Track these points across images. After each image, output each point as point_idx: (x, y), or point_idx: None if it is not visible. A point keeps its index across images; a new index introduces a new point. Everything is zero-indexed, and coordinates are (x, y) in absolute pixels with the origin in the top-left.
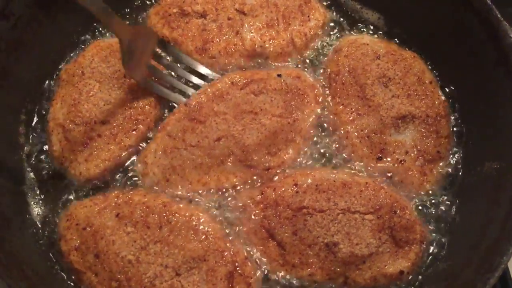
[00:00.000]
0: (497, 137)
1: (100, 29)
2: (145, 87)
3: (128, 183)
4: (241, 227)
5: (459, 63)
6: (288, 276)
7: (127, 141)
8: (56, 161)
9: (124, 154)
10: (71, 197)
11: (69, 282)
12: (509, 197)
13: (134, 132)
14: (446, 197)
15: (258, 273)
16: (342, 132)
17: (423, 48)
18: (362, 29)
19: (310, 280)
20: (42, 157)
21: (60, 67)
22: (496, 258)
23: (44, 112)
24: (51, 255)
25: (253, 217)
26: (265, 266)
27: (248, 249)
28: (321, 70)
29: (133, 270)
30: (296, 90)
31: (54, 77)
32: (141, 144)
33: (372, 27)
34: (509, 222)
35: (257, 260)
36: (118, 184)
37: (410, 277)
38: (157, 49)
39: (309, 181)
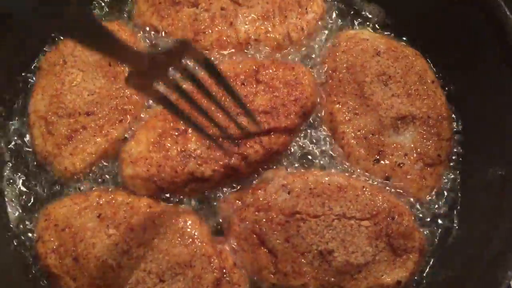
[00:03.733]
0: (502, 141)
1: None
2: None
3: (113, 178)
4: (230, 232)
5: (463, 62)
6: (279, 285)
7: (114, 132)
8: (39, 156)
9: (110, 146)
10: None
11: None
12: None
13: (120, 123)
14: (446, 204)
15: (247, 281)
16: (337, 132)
17: (426, 45)
18: (362, 24)
19: None
20: (23, 152)
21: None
22: (500, 271)
23: (20, 105)
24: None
25: (243, 221)
26: (255, 274)
27: (237, 255)
28: (318, 66)
29: (114, 276)
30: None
31: (32, 67)
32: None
33: (372, 22)
34: None
35: (246, 267)
36: (102, 181)
37: None
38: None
39: (303, 184)
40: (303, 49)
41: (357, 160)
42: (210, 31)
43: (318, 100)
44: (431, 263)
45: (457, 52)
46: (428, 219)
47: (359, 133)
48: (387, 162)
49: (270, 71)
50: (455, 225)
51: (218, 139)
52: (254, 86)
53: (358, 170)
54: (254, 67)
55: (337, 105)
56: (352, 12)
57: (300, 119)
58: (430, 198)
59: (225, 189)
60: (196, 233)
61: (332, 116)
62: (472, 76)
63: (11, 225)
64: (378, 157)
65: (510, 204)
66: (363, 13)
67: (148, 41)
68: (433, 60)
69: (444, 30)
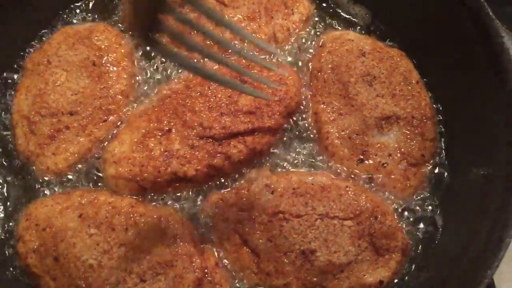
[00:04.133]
0: (485, 141)
1: (67, 17)
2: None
3: (96, 178)
4: (213, 232)
5: (447, 63)
6: (261, 285)
7: (97, 132)
8: (21, 155)
9: (94, 146)
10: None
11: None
12: (496, 207)
13: (104, 123)
14: (429, 204)
15: (229, 281)
16: (322, 132)
17: (411, 46)
18: (348, 25)
19: None
20: (6, 151)
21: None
22: (480, 271)
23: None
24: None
25: (226, 221)
26: (237, 274)
27: (219, 255)
28: (303, 67)
29: (94, 276)
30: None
31: (15, 66)
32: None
33: (358, 24)
34: (494, 233)
35: (228, 267)
36: (84, 181)
37: None
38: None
39: (286, 184)
40: (288, 49)
41: (341, 160)
42: (195, 32)
43: (303, 100)
44: (413, 263)
45: (442, 53)
46: (412, 219)
47: (343, 133)
48: (371, 162)
49: (255, 71)
50: (438, 225)
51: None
52: None
53: (342, 170)
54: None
55: (322, 105)
56: (338, 13)
57: (284, 119)
58: (413, 198)
59: (209, 189)
60: (178, 233)
61: (317, 116)
62: (457, 77)
63: None
64: (362, 157)
65: (493, 204)
66: (350, 14)
67: (134, 41)
68: (418, 61)
69: (429, 32)
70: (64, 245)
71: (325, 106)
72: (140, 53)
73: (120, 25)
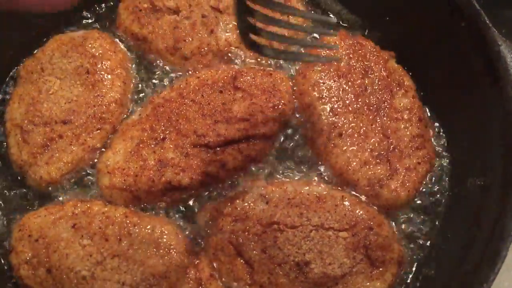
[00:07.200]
0: (482, 150)
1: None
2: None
3: (90, 188)
4: (207, 242)
5: (444, 72)
6: None
7: (91, 141)
8: (14, 165)
9: (87, 155)
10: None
11: None
12: (493, 219)
13: (98, 132)
14: (426, 214)
15: None
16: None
17: (406, 55)
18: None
19: None
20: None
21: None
22: (475, 285)
23: None
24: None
25: (220, 231)
26: (231, 285)
27: (214, 266)
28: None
29: (87, 287)
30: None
31: (10, 74)
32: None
33: (351, 30)
34: (490, 246)
35: (223, 278)
36: (78, 191)
37: None
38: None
39: (281, 194)
40: None
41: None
42: (190, 38)
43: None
44: (409, 275)
45: (439, 62)
46: (407, 230)
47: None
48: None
49: (248, 78)
50: (434, 236)
51: None
52: (232, 93)
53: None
54: (232, 74)
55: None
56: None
57: (278, 126)
58: (409, 208)
59: (203, 199)
60: (172, 244)
61: (311, 123)
62: (453, 86)
63: None
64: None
65: (488, 214)
66: (342, 21)
67: (128, 48)
68: (414, 70)
69: (424, 40)
70: (57, 256)
71: None
72: (134, 61)
73: (115, 32)
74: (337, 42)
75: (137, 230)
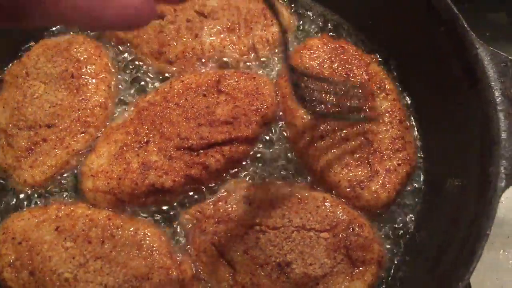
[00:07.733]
0: (460, 151)
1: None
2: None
3: (74, 191)
4: (190, 244)
5: (423, 75)
6: None
7: (75, 145)
8: None
9: (72, 159)
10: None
11: None
12: (469, 219)
13: (82, 135)
14: (405, 214)
15: None
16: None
17: (389, 57)
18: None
19: None
20: None
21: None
22: (451, 284)
23: None
24: None
25: (203, 233)
26: (213, 286)
27: (196, 267)
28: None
29: None
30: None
31: None
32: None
33: (338, 34)
34: (466, 246)
35: (205, 279)
36: (63, 194)
37: None
38: None
39: (264, 195)
40: (265, 59)
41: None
42: (175, 43)
43: (279, 109)
44: (388, 274)
45: (418, 65)
46: (387, 230)
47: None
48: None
49: (232, 81)
50: (413, 236)
51: None
52: (216, 96)
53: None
54: (216, 77)
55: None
56: (318, 24)
57: (260, 128)
58: (389, 209)
59: (186, 201)
60: (155, 245)
61: (294, 126)
62: (432, 88)
63: None
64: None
65: (465, 214)
66: (328, 24)
67: (113, 53)
68: (394, 71)
69: (405, 43)
70: (40, 259)
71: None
72: (119, 65)
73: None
74: (319, 46)
75: (120, 233)
